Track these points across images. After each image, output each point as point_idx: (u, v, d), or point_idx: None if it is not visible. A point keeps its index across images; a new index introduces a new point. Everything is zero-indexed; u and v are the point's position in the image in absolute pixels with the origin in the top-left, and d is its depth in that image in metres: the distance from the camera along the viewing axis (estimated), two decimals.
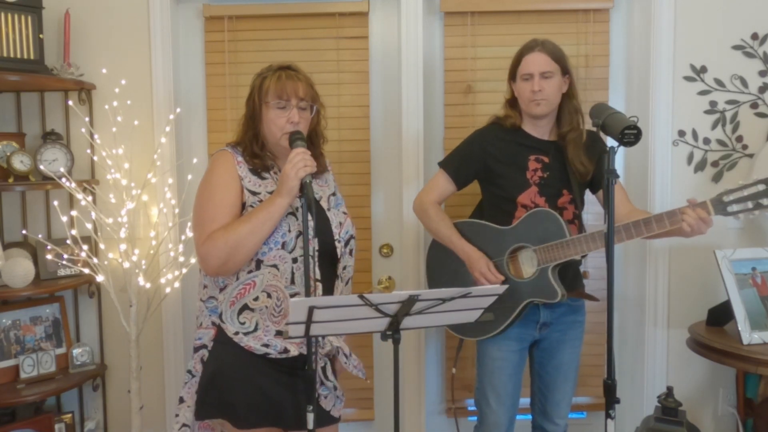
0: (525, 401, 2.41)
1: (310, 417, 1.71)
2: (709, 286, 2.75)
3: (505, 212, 2.22)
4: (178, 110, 2.76)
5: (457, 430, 2.61)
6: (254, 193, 1.86)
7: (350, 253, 2.00)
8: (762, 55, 2.70)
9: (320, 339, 1.88)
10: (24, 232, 2.71)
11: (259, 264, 1.83)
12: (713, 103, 2.73)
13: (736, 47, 2.71)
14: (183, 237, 2.64)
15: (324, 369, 1.93)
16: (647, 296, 2.80)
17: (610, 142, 1.70)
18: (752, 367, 2.34)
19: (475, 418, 2.39)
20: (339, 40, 2.82)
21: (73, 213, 2.59)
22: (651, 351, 2.81)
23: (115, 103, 2.61)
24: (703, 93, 2.73)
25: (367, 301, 1.52)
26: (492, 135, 2.27)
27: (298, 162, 1.76)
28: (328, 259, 1.93)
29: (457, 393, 2.91)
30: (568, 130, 2.19)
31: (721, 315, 2.58)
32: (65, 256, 2.56)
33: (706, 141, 2.74)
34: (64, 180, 2.47)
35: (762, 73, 2.71)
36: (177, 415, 1.92)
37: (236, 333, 1.83)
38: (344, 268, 1.98)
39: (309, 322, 1.54)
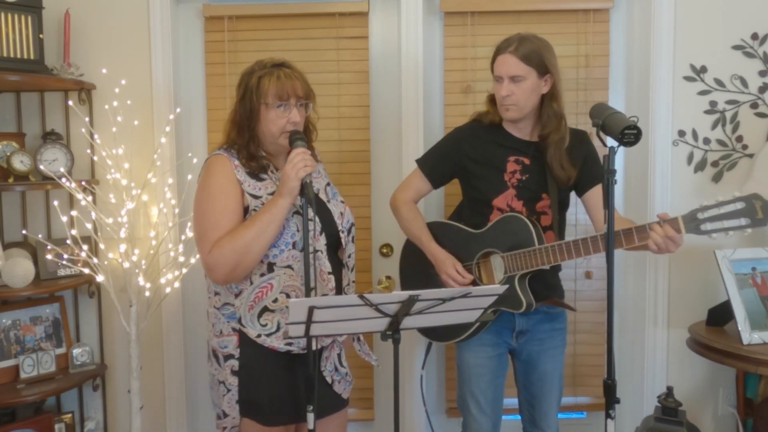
0: (513, 401, 2.37)
1: (311, 417, 1.72)
2: (709, 286, 2.75)
3: (481, 215, 2.15)
4: (178, 110, 2.76)
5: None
6: (255, 197, 1.86)
7: (352, 240, 2.03)
8: (762, 55, 2.70)
9: None
10: (24, 232, 2.71)
11: (271, 267, 1.84)
12: (713, 103, 2.73)
13: (736, 47, 2.71)
14: (183, 237, 2.64)
15: (339, 356, 2.00)
16: (647, 296, 2.80)
17: (610, 142, 1.69)
18: (752, 367, 2.34)
19: None
20: (339, 40, 2.82)
21: (73, 213, 2.59)
22: (651, 351, 2.81)
23: (115, 103, 2.61)
24: (703, 93, 2.73)
25: (367, 301, 1.52)
26: (470, 133, 2.20)
27: (299, 162, 1.77)
28: (334, 250, 1.96)
29: (454, 393, 2.90)
30: (549, 133, 2.09)
31: (721, 315, 2.58)
32: (65, 256, 2.56)
33: (706, 141, 2.74)
34: (64, 180, 2.47)
35: (762, 73, 2.71)
36: (225, 428, 1.94)
37: (258, 335, 1.84)
38: (349, 255, 2.01)
39: (309, 322, 1.54)
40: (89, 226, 2.60)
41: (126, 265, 2.53)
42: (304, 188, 1.76)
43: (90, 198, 2.60)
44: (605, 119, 1.75)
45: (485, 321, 2.12)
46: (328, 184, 2.06)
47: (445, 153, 2.23)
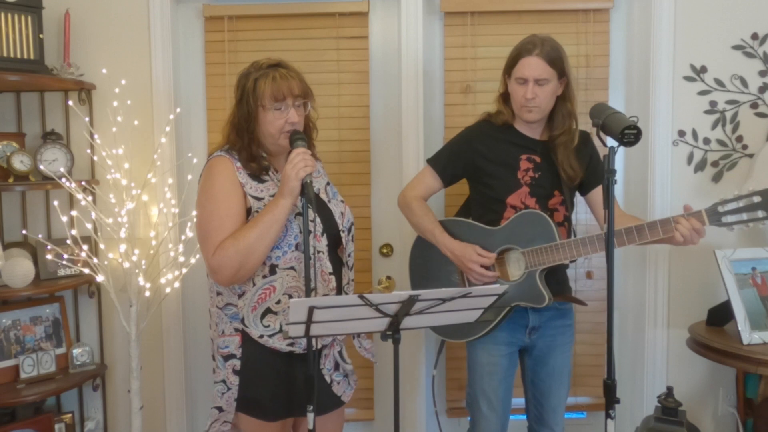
0: (519, 401, 2.38)
1: (310, 417, 1.72)
2: (709, 286, 2.75)
3: (493, 212, 2.17)
4: (178, 110, 2.76)
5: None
6: (258, 199, 1.86)
7: (352, 239, 2.04)
8: (762, 55, 2.70)
9: None
10: (24, 232, 2.71)
11: (274, 269, 1.84)
12: (713, 103, 2.73)
13: (736, 47, 2.71)
14: (183, 237, 2.64)
15: (341, 353, 2.01)
16: (647, 296, 2.80)
17: (610, 142, 1.70)
18: (752, 367, 2.34)
19: None
20: (339, 40, 2.82)
21: (73, 213, 2.59)
22: (651, 351, 2.81)
23: (115, 103, 2.61)
24: (703, 93, 2.73)
25: (367, 301, 1.52)
26: (482, 133, 2.22)
27: (299, 163, 1.77)
28: (334, 249, 1.96)
29: (455, 393, 2.91)
30: (559, 134, 2.14)
31: (721, 315, 2.58)
32: (65, 256, 2.56)
33: (706, 141, 2.74)
34: (64, 180, 2.47)
35: (762, 73, 2.71)
36: (216, 420, 1.95)
37: (261, 336, 1.85)
38: (349, 254, 2.01)
39: (309, 322, 1.54)
40: (89, 226, 2.59)
41: (126, 265, 2.53)
42: (305, 188, 1.76)
43: (90, 198, 2.60)
44: (605, 119, 1.76)
45: (501, 318, 2.14)
46: (328, 184, 2.07)
47: (457, 152, 2.24)
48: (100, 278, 2.54)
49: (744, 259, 2.52)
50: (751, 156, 2.72)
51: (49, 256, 2.57)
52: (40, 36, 2.57)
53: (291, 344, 1.84)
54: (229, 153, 1.90)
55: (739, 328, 2.40)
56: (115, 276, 2.58)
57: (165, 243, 2.65)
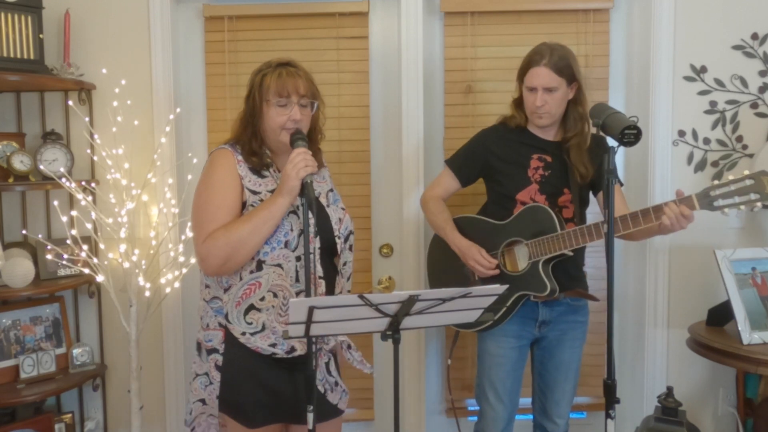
0: (525, 401, 2.41)
1: (310, 417, 1.71)
2: (709, 286, 2.75)
3: (504, 209, 2.25)
4: (178, 110, 2.76)
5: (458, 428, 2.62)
6: (255, 193, 1.86)
7: (350, 248, 2.01)
8: (762, 55, 2.70)
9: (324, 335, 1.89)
10: (24, 232, 2.71)
11: (260, 264, 1.83)
12: (713, 103, 2.73)
13: (736, 47, 2.71)
14: (183, 237, 2.64)
15: (327, 365, 1.96)
16: (647, 296, 2.80)
17: (610, 142, 1.70)
18: (752, 367, 2.34)
19: (475, 417, 2.40)
20: (339, 40, 2.82)
21: (73, 213, 2.59)
22: (651, 351, 2.81)
23: (115, 103, 2.61)
24: (703, 93, 2.73)
25: (367, 301, 1.52)
26: (496, 134, 2.31)
27: (299, 162, 1.77)
28: (329, 256, 1.94)
29: (457, 393, 2.91)
30: (572, 136, 2.21)
31: (721, 315, 2.58)
32: (65, 256, 2.56)
33: (706, 141, 2.74)
34: (64, 180, 2.47)
35: (762, 73, 2.71)
36: (192, 413, 1.95)
37: (243, 333, 1.83)
38: (344, 264, 1.99)
39: (309, 322, 1.54)
40: (89, 226, 2.60)
41: (126, 265, 2.53)
42: (305, 188, 1.76)
43: (90, 198, 2.60)
44: (605, 119, 1.77)
45: (510, 309, 2.21)
46: (331, 190, 2.05)
47: (472, 152, 2.34)
48: (100, 278, 2.55)
49: (744, 259, 2.52)
50: (751, 156, 2.72)
51: (49, 256, 2.57)
52: (40, 36, 2.57)
53: (273, 345, 1.82)
54: (233, 147, 1.91)
55: (739, 328, 2.40)
56: (115, 276, 2.58)
57: (165, 243, 2.66)
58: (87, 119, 2.69)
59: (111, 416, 2.88)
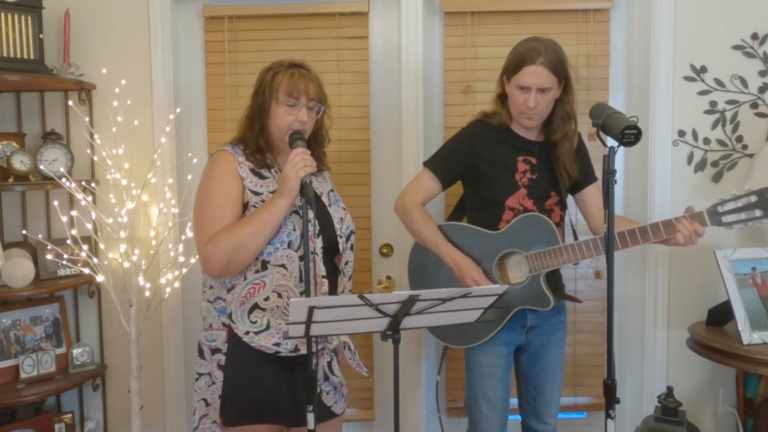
0: (513, 401, 2.36)
1: (311, 417, 1.71)
2: (709, 286, 2.75)
3: (491, 215, 2.15)
4: (178, 110, 2.76)
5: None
6: (256, 194, 1.86)
7: (351, 248, 2.02)
8: (762, 55, 2.70)
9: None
10: (24, 232, 2.71)
11: (265, 264, 1.84)
12: (713, 103, 2.73)
13: (736, 47, 2.71)
14: (183, 237, 2.64)
15: (330, 364, 1.97)
16: (647, 296, 2.81)
17: (610, 142, 1.70)
18: (752, 367, 2.34)
19: None
20: (339, 40, 2.82)
21: (73, 213, 2.59)
22: (651, 351, 2.81)
23: (115, 103, 2.61)
24: (703, 93, 2.73)
25: (367, 301, 1.52)
26: (480, 134, 2.18)
27: (298, 162, 1.77)
28: (331, 255, 1.95)
29: (457, 393, 2.91)
30: (560, 137, 2.13)
31: (721, 315, 2.58)
32: (65, 256, 2.56)
33: (706, 141, 2.74)
34: (64, 180, 2.47)
35: (762, 73, 2.71)
36: (196, 413, 1.94)
37: (247, 333, 1.83)
38: (346, 263, 2.00)
39: (309, 322, 1.54)
40: (89, 226, 2.60)
41: (126, 265, 2.53)
42: (304, 188, 1.76)
43: (90, 198, 2.60)
44: (605, 119, 1.76)
45: (503, 318, 2.13)
46: (332, 190, 2.06)
47: (457, 154, 2.20)
48: (100, 278, 2.54)
49: (744, 259, 2.52)
50: (751, 156, 2.72)
51: (49, 256, 2.57)
52: (40, 36, 2.57)
53: (277, 344, 1.83)
54: (233, 148, 1.91)
55: (739, 328, 2.40)
56: (115, 276, 2.58)
57: (165, 243, 2.66)
58: (87, 119, 2.69)
59: (111, 416, 2.88)
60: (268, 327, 1.83)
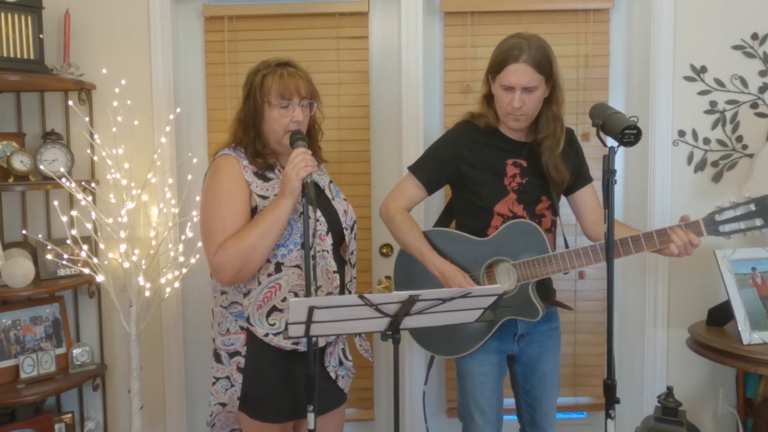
0: (509, 401, 2.33)
1: (311, 417, 1.72)
2: (709, 286, 2.75)
3: (480, 221, 2.08)
4: (178, 110, 2.76)
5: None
6: (264, 197, 1.86)
7: (354, 237, 2.04)
8: (762, 55, 2.70)
9: None
10: (24, 232, 2.71)
11: (279, 266, 1.85)
12: (713, 103, 2.73)
13: (736, 47, 2.71)
14: (183, 237, 2.64)
15: (344, 350, 2.03)
16: (647, 296, 2.80)
17: (610, 142, 1.69)
18: (752, 367, 2.34)
19: None
20: (339, 40, 2.82)
21: (73, 213, 2.59)
22: (651, 351, 2.81)
23: (115, 103, 2.61)
24: (703, 93, 2.73)
25: (367, 301, 1.52)
26: (466, 137, 2.10)
27: (299, 162, 1.78)
28: (337, 247, 1.96)
29: (455, 393, 2.90)
30: (544, 137, 2.04)
31: (721, 315, 2.58)
32: (65, 256, 2.56)
33: (706, 141, 2.74)
34: (64, 180, 2.47)
35: (762, 73, 2.71)
36: (212, 416, 1.98)
37: (266, 334, 1.85)
38: (351, 252, 2.02)
39: (309, 322, 1.54)
40: (89, 226, 2.60)
41: (126, 265, 2.53)
42: (305, 188, 1.76)
43: (90, 198, 2.60)
44: (605, 119, 1.75)
45: (490, 328, 2.08)
46: (331, 182, 2.08)
47: (442, 159, 2.13)
48: (100, 278, 2.54)
49: (744, 259, 2.52)
50: (751, 156, 2.72)
51: (49, 256, 2.57)
52: (40, 36, 2.57)
53: (296, 342, 1.85)
54: (236, 151, 1.90)
55: (739, 328, 2.40)
56: (115, 276, 2.58)
57: (165, 243, 2.66)
58: (87, 119, 2.69)
59: (111, 416, 2.88)
60: (286, 328, 1.84)
